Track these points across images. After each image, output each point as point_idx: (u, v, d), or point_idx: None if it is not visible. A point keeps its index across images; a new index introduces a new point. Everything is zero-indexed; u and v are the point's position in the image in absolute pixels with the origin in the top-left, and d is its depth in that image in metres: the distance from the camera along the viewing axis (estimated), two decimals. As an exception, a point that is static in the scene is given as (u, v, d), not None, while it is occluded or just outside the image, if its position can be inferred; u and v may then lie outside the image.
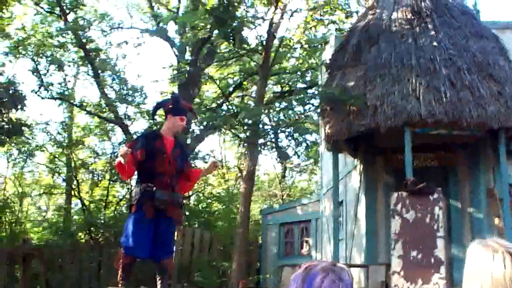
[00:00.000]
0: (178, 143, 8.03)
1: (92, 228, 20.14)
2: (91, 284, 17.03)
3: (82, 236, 20.72)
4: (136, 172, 7.57)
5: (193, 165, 19.41)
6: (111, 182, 22.55)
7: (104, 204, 22.32)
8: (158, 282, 7.68)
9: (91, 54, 17.81)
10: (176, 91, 19.00)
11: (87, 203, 22.62)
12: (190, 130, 17.70)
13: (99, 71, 18.32)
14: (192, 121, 16.17)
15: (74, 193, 22.80)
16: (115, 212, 22.04)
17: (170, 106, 7.83)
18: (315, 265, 2.41)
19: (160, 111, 8.95)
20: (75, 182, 22.60)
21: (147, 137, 7.82)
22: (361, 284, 12.79)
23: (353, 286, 2.42)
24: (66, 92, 19.26)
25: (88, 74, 20.09)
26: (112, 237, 18.58)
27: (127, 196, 22.12)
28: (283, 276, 9.04)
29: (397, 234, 7.28)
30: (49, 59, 17.77)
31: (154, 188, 7.35)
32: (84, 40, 17.51)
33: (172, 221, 7.63)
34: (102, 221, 20.66)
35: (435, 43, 12.63)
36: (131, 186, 21.40)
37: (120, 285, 7.47)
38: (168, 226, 7.62)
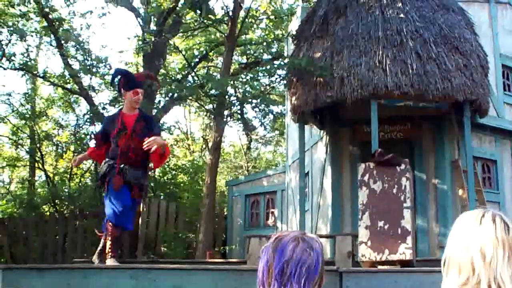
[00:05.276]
0: (142, 117, 7.98)
1: (56, 201, 19.96)
2: (56, 256, 16.89)
3: (47, 209, 20.53)
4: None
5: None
6: (75, 154, 22.33)
7: (68, 176, 22.12)
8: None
9: (54, 24, 17.47)
10: (141, 62, 18.81)
11: (51, 175, 22.39)
12: (156, 101, 17.55)
13: (63, 42, 18.00)
14: (157, 89, 15.90)
15: (38, 165, 22.56)
16: (80, 185, 21.87)
17: (123, 83, 7.84)
18: (285, 235, 2.40)
19: None
20: (39, 154, 22.34)
21: (108, 119, 8.07)
22: (327, 255, 12.90)
23: (323, 255, 2.41)
24: (29, 63, 18.91)
25: (51, 45, 19.74)
26: (77, 209, 18.42)
27: (92, 168, 21.98)
28: (250, 247, 9.05)
29: (364, 205, 7.31)
30: (10, 29, 17.40)
31: (122, 166, 7.50)
32: (47, 10, 17.15)
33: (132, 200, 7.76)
34: (67, 194, 20.49)
35: (402, 15, 12.64)
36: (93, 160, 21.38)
37: (109, 257, 7.49)
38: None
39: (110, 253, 7.50)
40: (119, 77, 7.98)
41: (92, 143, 7.97)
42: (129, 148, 7.59)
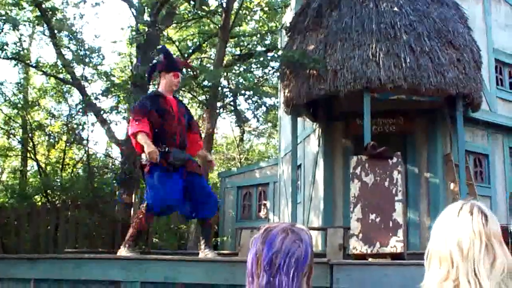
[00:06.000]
0: (180, 101, 7.88)
1: (48, 191, 19.89)
2: (47, 247, 16.83)
3: (39, 199, 20.46)
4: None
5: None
6: (67, 144, 22.28)
7: (60, 166, 22.06)
8: (202, 242, 7.49)
9: (47, 13, 17.36)
10: (134, 52, 18.75)
11: (43, 165, 22.33)
12: (149, 92, 17.49)
13: (56, 31, 17.90)
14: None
15: (30, 155, 22.48)
16: (72, 175, 21.81)
17: (164, 64, 7.58)
18: (274, 227, 2.40)
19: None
20: (31, 144, 22.26)
21: (150, 98, 7.47)
22: (319, 247, 12.92)
23: (312, 247, 2.41)
24: (22, 52, 18.82)
25: (44, 34, 19.66)
26: (69, 200, 18.36)
27: (84, 158, 21.94)
28: (242, 239, 9.05)
29: (356, 198, 7.30)
30: (3, 18, 17.29)
31: (167, 149, 7.13)
32: (40, -1, 17.07)
33: (198, 174, 7.43)
34: (59, 184, 20.42)
35: (396, 9, 12.63)
36: (88, 148, 21.35)
37: (127, 245, 7.13)
38: (198, 179, 7.42)
39: (127, 242, 7.18)
40: (162, 56, 7.71)
41: (138, 126, 7.19)
42: (176, 131, 7.31)
